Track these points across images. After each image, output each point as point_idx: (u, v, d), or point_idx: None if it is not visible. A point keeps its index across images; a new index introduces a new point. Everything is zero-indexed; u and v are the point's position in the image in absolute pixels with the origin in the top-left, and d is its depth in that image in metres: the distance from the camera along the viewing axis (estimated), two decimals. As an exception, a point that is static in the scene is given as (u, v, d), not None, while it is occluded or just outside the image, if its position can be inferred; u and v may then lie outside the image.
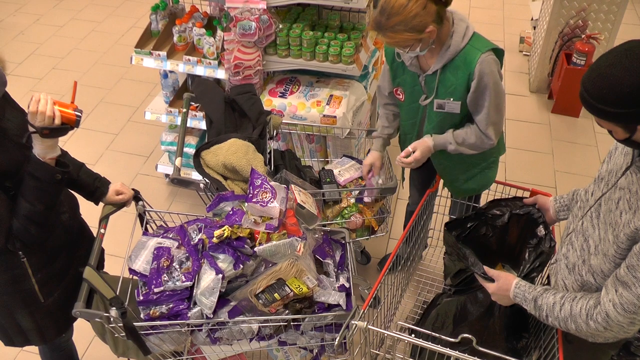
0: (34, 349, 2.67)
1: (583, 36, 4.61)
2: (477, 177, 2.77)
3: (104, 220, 2.32)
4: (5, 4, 6.59)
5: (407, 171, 3.12)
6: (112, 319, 2.01)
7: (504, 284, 2.03)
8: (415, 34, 2.24)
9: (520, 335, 2.32)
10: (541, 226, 2.27)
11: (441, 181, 2.83)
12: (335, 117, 3.25)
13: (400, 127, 2.84)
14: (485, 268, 2.11)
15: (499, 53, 2.43)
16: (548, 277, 2.23)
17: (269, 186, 2.14)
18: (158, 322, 2.07)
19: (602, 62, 1.56)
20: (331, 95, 3.36)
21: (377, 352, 2.20)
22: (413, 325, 2.40)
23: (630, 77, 1.48)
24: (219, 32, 3.46)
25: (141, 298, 2.08)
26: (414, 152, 2.56)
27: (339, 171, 2.91)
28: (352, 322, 1.97)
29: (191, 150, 3.72)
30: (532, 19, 5.61)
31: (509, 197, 2.46)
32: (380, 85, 2.83)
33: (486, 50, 2.36)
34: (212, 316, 2.10)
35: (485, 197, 2.78)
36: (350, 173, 2.90)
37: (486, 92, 2.40)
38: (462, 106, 2.48)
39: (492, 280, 2.08)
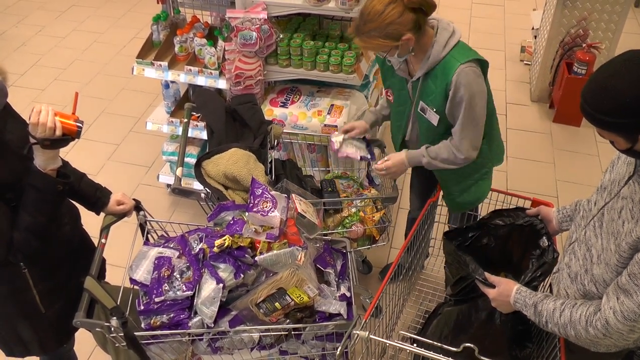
0: (35, 359, 2.66)
1: (584, 45, 4.61)
2: (471, 189, 2.74)
3: (105, 230, 2.32)
4: (7, 16, 6.63)
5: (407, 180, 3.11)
6: (113, 329, 2.00)
7: (505, 290, 2.03)
8: (390, 40, 2.23)
9: (524, 345, 2.30)
10: (544, 237, 2.26)
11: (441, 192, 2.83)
12: (336, 126, 3.25)
13: (390, 129, 2.84)
14: (486, 274, 2.11)
15: (482, 64, 2.36)
16: (550, 286, 2.22)
17: (269, 196, 2.14)
18: (159, 332, 2.07)
19: (601, 72, 1.56)
20: (332, 105, 3.36)
21: (378, 362, 2.20)
22: (415, 334, 2.39)
23: (630, 86, 1.48)
24: (220, 42, 3.48)
25: (142, 308, 2.08)
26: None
27: (343, 139, 2.85)
28: (354, 331, 1.96)
29: (192, 160, 3.72)
30: (533, 28, 5.62)
31: (512, 207, 2.46)
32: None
33: (466, 60, 2.28)
34: (212, 326, 2.10)
35: (487, 207, 2.76)
36: (352, 149, 2.88)
37: (462, 105, 2.32)
38: (441, 121, 2.43)
39: (492, 286, 2.08)
